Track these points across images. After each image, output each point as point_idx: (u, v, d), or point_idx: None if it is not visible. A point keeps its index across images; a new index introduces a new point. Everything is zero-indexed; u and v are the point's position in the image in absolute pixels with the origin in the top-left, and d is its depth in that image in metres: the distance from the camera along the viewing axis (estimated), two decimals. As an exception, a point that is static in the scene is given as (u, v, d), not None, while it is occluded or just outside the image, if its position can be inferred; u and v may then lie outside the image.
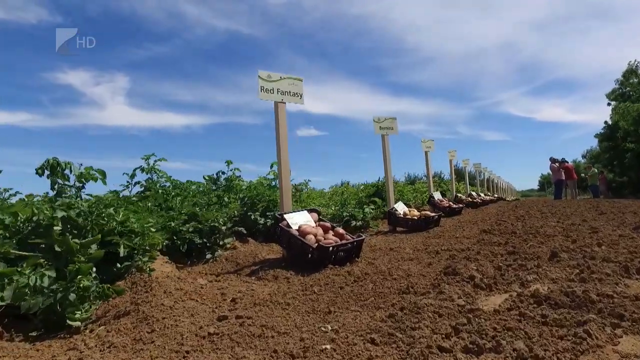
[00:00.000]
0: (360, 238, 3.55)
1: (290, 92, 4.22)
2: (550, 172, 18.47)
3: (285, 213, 3.79)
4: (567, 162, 17.86)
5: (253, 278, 3.26)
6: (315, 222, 3.86)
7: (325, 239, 3.49)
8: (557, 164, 17.25)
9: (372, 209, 7.09)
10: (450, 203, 8.44)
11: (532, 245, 3.48)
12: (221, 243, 4.69)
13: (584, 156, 49.92)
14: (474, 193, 12.88)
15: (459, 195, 10.80)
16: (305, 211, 3.91)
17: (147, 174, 5.55)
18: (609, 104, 29.58)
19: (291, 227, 3.65)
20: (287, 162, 4.10)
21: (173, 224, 4.34)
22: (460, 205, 8.55)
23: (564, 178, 17.24)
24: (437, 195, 8.52)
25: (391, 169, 6.35)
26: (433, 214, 5.94)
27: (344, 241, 3.44)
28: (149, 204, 4.80)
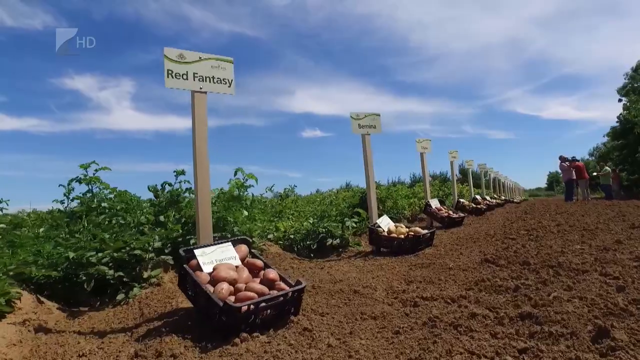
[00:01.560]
0: (297, 287, 2.33)
1: (213, 77, 3.04)
2: (560, 171, 17.03)
3: (196, 247, 2.58)
4: (578, 161, 16.40)
5: (132, 350, 2.07)
6: (243, 259, 2.65)
7: (247, 288, 2.29)
8: (567, 162, 15.82)
9: (355, 223, 5.88)
10: (450, 212, 7.17)
11: (557, 297, 2.22)
12: (145, 276, 3.55)
13: (591, 154, 48.00)
14: (478, 197, 11.55)
15: (462, 201, 9.51)
16: (229, 243, 2.70)
17: (86, 186, 4.42)
18: (619, 100, 27.88)
19: (202, 269, 2.46)
20: (207, 168, 2.90)
21: (72, 254, 3.21)
22: (462, 214, 7.27)
23: (574, 177, 15.81)
24: (434, 203, 7.26)
25: (374, 175, 5.11)
26: (424, 232, 4.68)
27: (269, 295, 2.23)
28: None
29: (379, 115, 5.30)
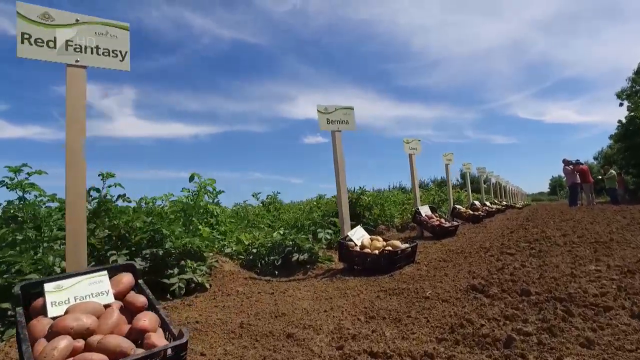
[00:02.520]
0: (175, 343, 1.52)
1: (98, 47, 2.35)
2: (564, 175, 16.11)
3: (49, 279, 1.78)
4: (582, 164, 15.47)
5: None
6: (123, 295, 1.85)
7: (99, 345, 1.50)
8: (570, 166, 14.90)
9: (330, 234, 5.06)
10: (442, 220, 6.33)
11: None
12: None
13: (595, 158, 46.93)
14: (477, 203, 10.69)
15: (458, 207, 8.66)
16: (104, 272, 1.90)
17: (18, 192, 3.66)
18: (621, 104, 27.01)
19: (48, 312, 1.67)
20: (83, 168, 2.11)
21: None
22: (455, 223, 6.42)
23: (579, 181, 14.89)
24: (424, 210, 6.43)
25: (345, 178, 4.31)
26: (404, 246, 3.85)
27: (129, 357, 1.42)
28: None
29: (352, 108, 4.46)
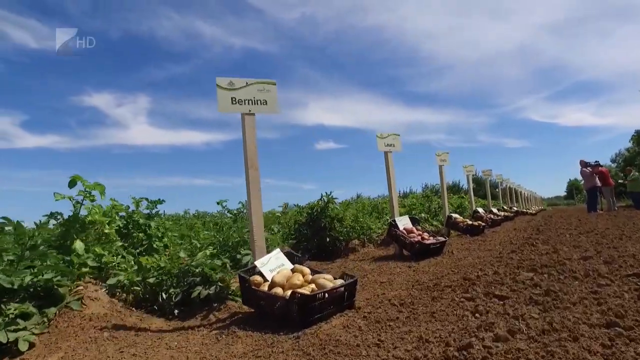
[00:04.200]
0: None
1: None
2: (582, 178, 14.44)
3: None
4: (601, 166, 13.78)
5: None
6: None
7: None
8: (589, 168, 13.25)
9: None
10: (424, 235, 4.92)
11: None
12: None
13: (613, 160, 44.43)
14: (480, 210, 9.21)
15: (454, 217, 7.22)
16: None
17: None
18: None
19: None
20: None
21: None
22: (441, 239, 4.98)
23: (598, 184, 13.23)
24: (402, 223, 5.03)
25: (257, 176, 2.98)
26: (337, 284, 2.48)
27: None
28: None
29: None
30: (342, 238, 5.63)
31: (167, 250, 4.84)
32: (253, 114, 2.94)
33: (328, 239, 5.45)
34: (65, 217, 3.69)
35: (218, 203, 7.82)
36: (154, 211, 5.33)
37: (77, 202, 3.73)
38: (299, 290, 2.31)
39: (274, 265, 2.69)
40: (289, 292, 2.32)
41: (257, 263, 2.65)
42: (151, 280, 3.33)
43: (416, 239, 4.66)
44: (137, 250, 4.68)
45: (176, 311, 3.09)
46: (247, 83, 2.94)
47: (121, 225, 4.85)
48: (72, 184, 3.74)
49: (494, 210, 10.98)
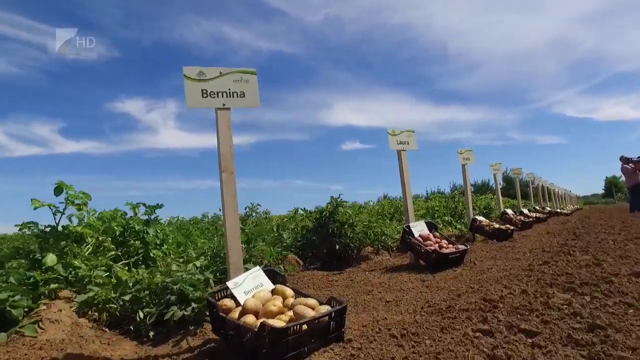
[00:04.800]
0: None
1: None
2: (623, 175, 13.28)
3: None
4: (645, 162, 12.63)
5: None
6: None
7: None
8: (631, 164, 12.13)
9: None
10: (442, 243, 4.35)
11: None
12: None
13: (657, 155, 41.45)
14: (509, 212, 8.48)
15: (479, 219, 6.57)
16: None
17: None
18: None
19: None
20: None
21: None
22: (461, 247, 4.37)
23: (642, 182, 12.11)
24: (417, 229, 4.49)
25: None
26: (320, 313, 2.00)
27: None
28: None
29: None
30: (352, 245, 5.14)
31: (166, 258, 4.52)
32: (228, 109, 2.51)
33: (337, 246, 4.97)
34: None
35: (247, 208, 7.50)
36: (152, 217, 5.02)
37: (58, 211, 3.44)
38: (270, 321, 1.85)
39: (250, 286, 2.25)
40: (260, 321, 1.87)
41: (230, 284, 2.21)
42: (126, 297, 2.96)
43: (432, 248, 4.11)
44: (133, 260, 4.38)
45: (151, 333, 2.71)
46: (220, 73, 2.51)
47: (117, 233, 4.56)
48: (57, 191, 3.46)
49: (525, 211, 10.15)
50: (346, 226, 5.20)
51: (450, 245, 4.32)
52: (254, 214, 7.35)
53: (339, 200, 5.15)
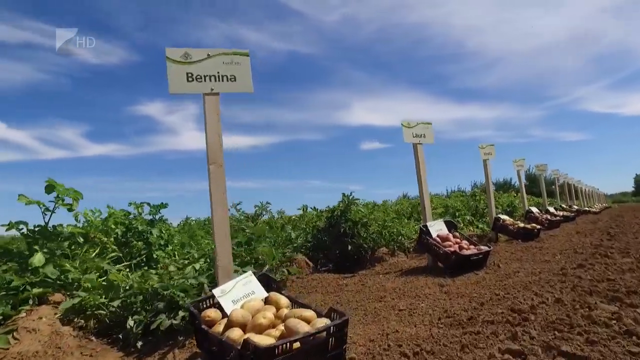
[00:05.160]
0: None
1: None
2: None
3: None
4: (682, 156, 11.78)
5: None
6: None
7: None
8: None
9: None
10: (462, 243, 3.97)
11: None
12: None
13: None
14: (534, 210, 7.97)
15: (502, 218, 6.12)
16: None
17: None
18: None
19: None
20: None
21: None
22: (483, 248, 3.97)
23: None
24: (435, 228, 4.10)
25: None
26: (304, 332, 1.69)
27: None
28: None
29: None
30: (366, 246, 4.80)
31: (172, 259, 4.30)
32: (217, 94, 2.23)
33: (350, 247, 4.65)
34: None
35: (233, 206, 7.27)
36: (157, 217, 4.81)
37: (47, 209, 3.24)
38: (257, 337, 1.56)
39: (239, 294, 1.96)
40: (247, 337, 1.58)
41: (216, 291, 1.93)
42: (115, 303, 2.73)
43: (452, 249, 3.74)
44: (135, 261, 4.17)
45: (139, 343, 2.45)
46: (208, 55, 2.23)
47: (120, 233, 4.38)
48: (49, 189, 3.25)
49: (551, 209, 9.57)
50: (359, 226, 4.87)
51: (472, 246, 3.94)
52: (264, 214, 7.06)
53: (351, 197, 4.83)
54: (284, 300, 1.94)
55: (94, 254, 3.63)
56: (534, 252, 4.50)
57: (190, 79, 2.18)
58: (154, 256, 4.35)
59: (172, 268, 3.48)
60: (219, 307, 1.90)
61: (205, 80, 2.21)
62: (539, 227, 6.16)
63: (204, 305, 1.98)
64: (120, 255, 4.14)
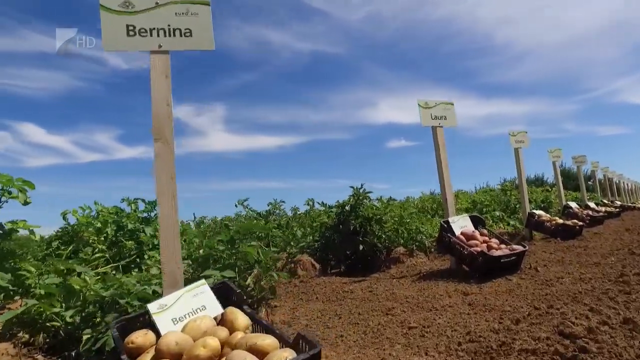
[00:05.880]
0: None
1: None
2: None
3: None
4: None
5: None
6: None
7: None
8: None
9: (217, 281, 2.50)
10: (491, 242, 3.33)
11: None
12: None
13: None
14: (573, 205, 7.11)
15: (537, 214, 5.38)
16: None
17: None
18: None
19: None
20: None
21: None
22: (516, 248, 3.31)
23: None
24: (458, 225, 3.47)
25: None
26: None
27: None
28: None
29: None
30: (380, 245, 4.22)
31: (153, 261, 3.87)
32: (166, 52, 1.73)
33: (362, 247, 4.08)
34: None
35: (239, 203, 6.81)
36: (152, 214, 4.40)
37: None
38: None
39: (185, 310, 1.45)
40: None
41: (151, 306, 1.43)
42: (68, 313, 2.28)
43: (479, 249, 3.11)
44: (124, 262, 3.77)
45: (94, 364, 2.00)
46: (157, 3, 1.73)
47: (109, 232, 4.00)
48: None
49: (591, 204, 8.61)
50: (373, 222, 4.30)
51: (503, 246, 3.29)
52: (277, 211, 6.55)
53: (362, 191, 4.25)
54: (241, 320, 1.41)
55: (66, 253, 3.23)
56: (579, 253, 3.79)
57: (131, 33, 1.68)
58: (145, 257, 3.93)
59: (154, 271, 3.04)
60: (152, 329, 1.39)
61: (151, 35, 1.71)
62: (580, 223, 5.37)
63: (141, 323, 1.48)
64: (107, 256, 3.74)
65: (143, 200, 4.35)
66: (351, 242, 4.18)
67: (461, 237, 3.34)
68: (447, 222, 3.46)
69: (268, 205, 6.74)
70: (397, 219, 4.39)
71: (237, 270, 2.65)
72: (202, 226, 7.61)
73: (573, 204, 7.24)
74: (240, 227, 2.71)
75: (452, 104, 3.84)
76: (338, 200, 4.47)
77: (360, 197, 4.27)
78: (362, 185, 4.24)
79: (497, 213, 6.74)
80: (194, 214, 7.63)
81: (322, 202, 4.64)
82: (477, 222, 3.63)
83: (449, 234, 3.36)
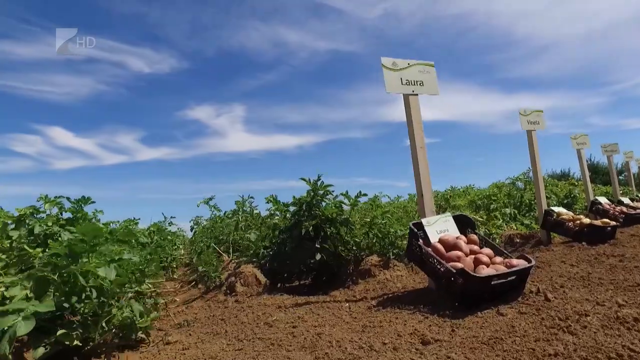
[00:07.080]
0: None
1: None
2: None
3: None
4: None
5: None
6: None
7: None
8: None
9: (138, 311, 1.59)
10: (481, 253, 2.28)
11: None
12: None
13: None
14: (603, 201, 5.87)
15: (555, 211, 4.25)
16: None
17: None
18: None
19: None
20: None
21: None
22: (519, 263, 2.25)
23: None
24: (436, 229, 2.45)
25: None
26: None
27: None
28: None
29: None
30: (345, 254, 3.23)
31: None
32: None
33: (320, 255, 3.10)
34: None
35: (203, 202, 5.96)
36: (79, 215, 3.53)
37: None
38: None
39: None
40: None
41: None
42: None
43: (459, 265, 2.08)
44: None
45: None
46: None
47: (15, 237, 3.17)
48: None
49: (625, 200, 7.27)
50: (337, 224, 3.31)
51: (498, 259, 2.24)
52: (246, 209, 5.54)
53: (319, 184, 3.26)
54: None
55: None
56: (612, 265, 2.68)
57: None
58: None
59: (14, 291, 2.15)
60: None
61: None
62: (613, 223, 4.19)
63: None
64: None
65: (68, 199, 3.52)
66: (303, 250, 3.21)
67: (438, 246, 2.30)
68: (420, 225, 2.43)
69: (235, 204, 5.79)
70: (367, 219, 3.38)
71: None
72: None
73: (603, 200, 6.00)
74: (83, 231, 1.79)
75: (432, 65, 2.82)
76: (294, 196, 3.48)
77: (319, 191, 3.27)
78: (319, 177, 3.25)
79: (508, 210, 5.58)
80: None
81: (274, 198, 3.65)
82: (465, 224, 2.57)
83: (418, 241, 2.33)
